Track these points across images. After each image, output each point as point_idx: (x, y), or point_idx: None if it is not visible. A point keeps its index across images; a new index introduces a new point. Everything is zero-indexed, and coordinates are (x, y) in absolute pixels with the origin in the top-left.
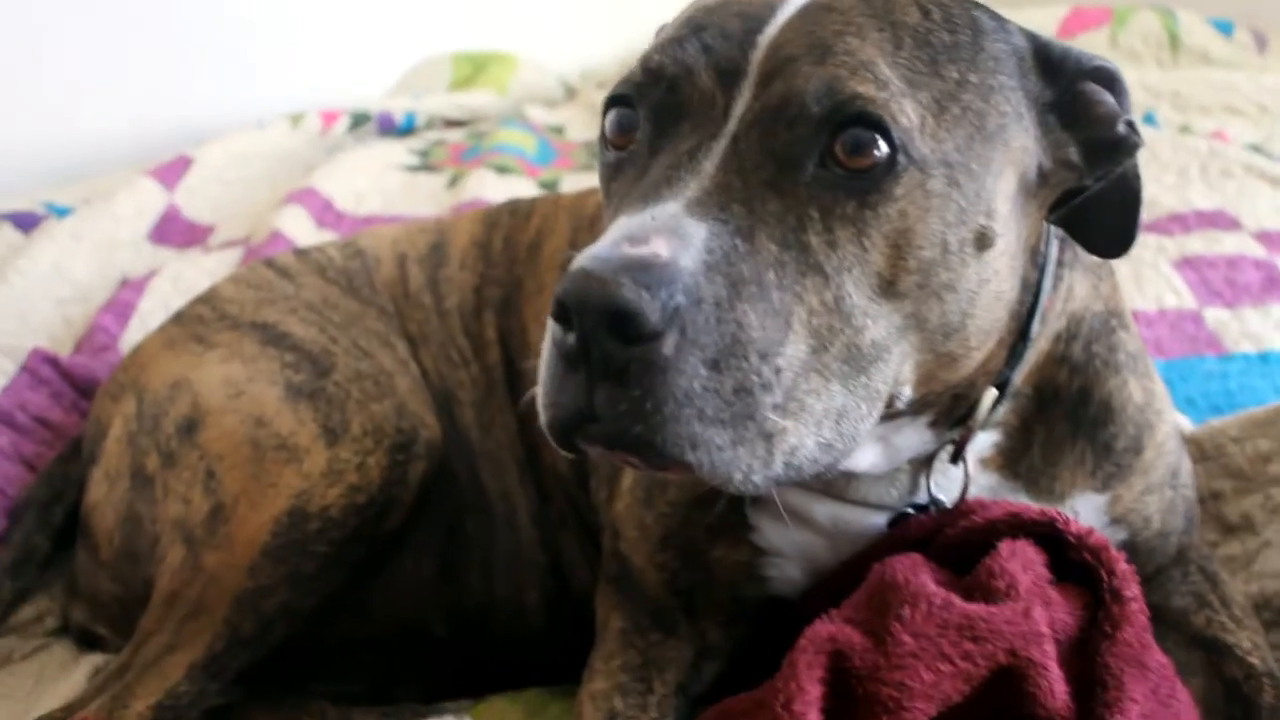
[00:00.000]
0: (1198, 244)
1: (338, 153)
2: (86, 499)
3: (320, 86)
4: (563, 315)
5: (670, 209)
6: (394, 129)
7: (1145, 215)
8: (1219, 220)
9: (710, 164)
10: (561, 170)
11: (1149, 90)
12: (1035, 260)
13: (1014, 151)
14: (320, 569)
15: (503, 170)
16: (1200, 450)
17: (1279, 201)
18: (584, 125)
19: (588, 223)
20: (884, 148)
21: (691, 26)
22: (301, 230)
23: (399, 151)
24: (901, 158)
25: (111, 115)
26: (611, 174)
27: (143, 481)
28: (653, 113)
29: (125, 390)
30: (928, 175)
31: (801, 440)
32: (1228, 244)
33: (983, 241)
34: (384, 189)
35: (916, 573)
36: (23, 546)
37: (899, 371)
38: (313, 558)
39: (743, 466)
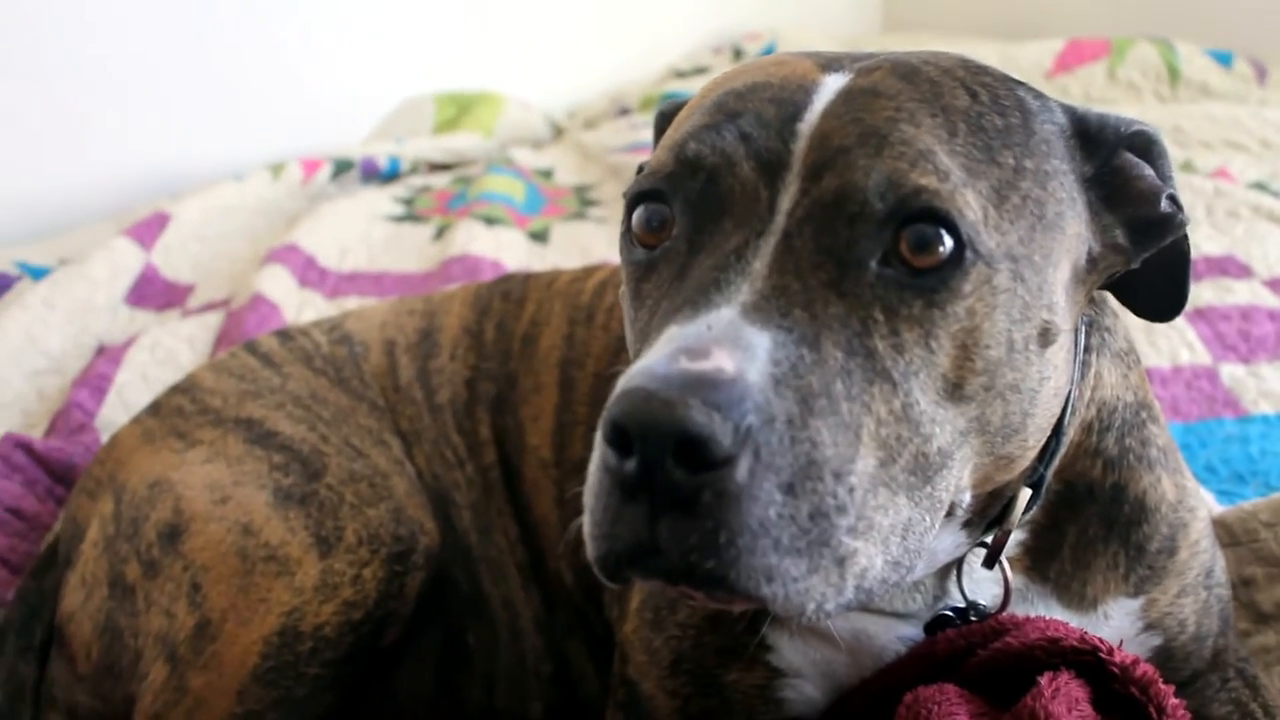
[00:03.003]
0: (1209, 293)
1: (321, 203)
2: (63, 605)
3: (301, 133)
4: (621, 441)
5: (726, 315)
6: (378, 175)
7: None
8: (1229, 267)
9: (761, 264)
10: (551, 218)
11: None
12: (1072, 348)
13: (1070, 239)
14: (313, 692)
15: (491, 221)
16: (1230, 535)
17: None
18: (573, 168)
19: (584, 313)
20: (949, 243)
21: (725, 113)
22: (283, 290)
23: (383, 200)
24: (969, 253)
25: (85, 166)
26: (642, 274)
27: (123, 591)
28: (690, 207)
29: (102, 488)
30: (994, 270)
31: (871, 561)
32: (1240, 293)
33: (1046, 337)
34: (369, 242)
35: (951, 716)
36: (10, 681)
37: (959, 478)
38: (305, 680)
39: (816, 596)
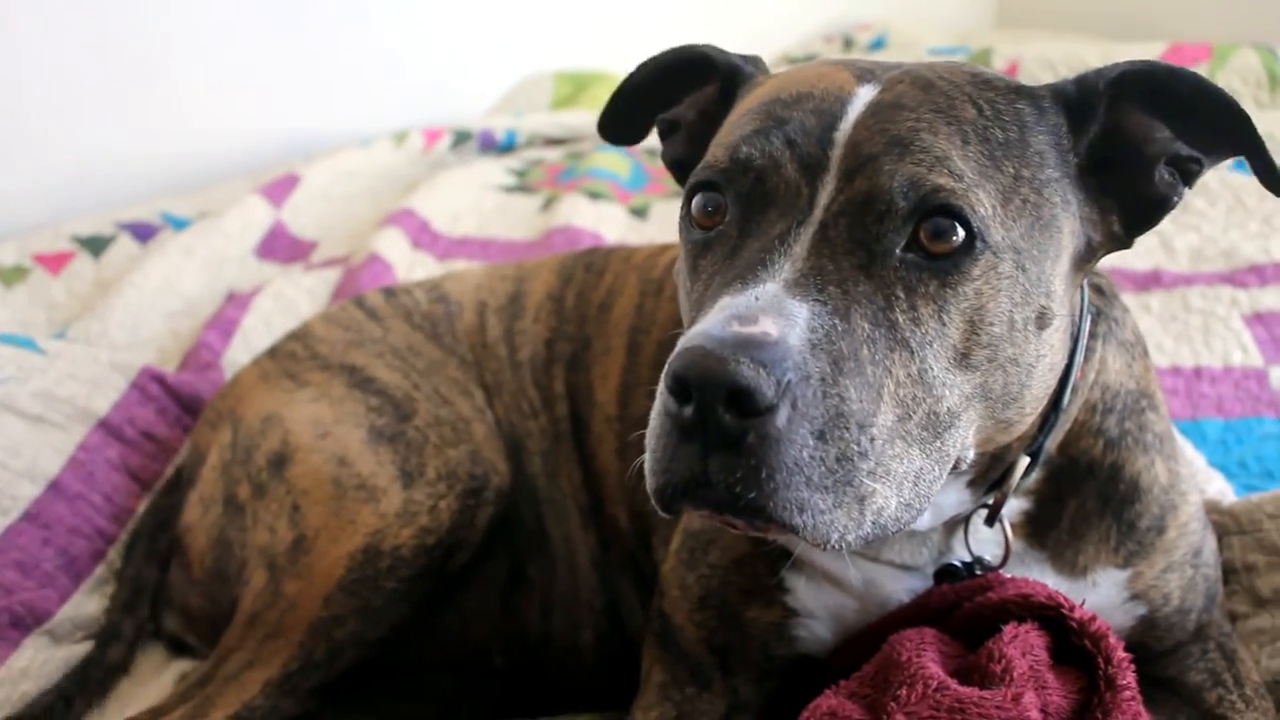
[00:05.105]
0: (1272, 299)
1: (439, 170)
2: (182, 519)
3: (424, 103)
4: (681, 390)
5: (771, 289)
6: (495, 146)
7: (1224, 265)
8: None
9: (800, 248)
10: (652, 196)
11: None
12: (1070, 332)
13: (1065, 236)
14: (388, 603)
15: (595, 196)
16: (1237, 523)
17: None
18: None
19: (655, 286)
20: (961, 233)
21: (774, 120)
22: (398, 252)
23: (497, 171)
24: (979, 243)
25: (225, 126)
26: (699, 251)
27: (234, 509)
28: (740, 198)
29: (223, 419)
30: (999, 259)
31: (887, 501)
32: None
33: (1043, 320)
34: (480, 210)
35: (920, 652)
36: (134, 582)
37: (965, 436)
38: (382, 593)
39: (839, 528)
